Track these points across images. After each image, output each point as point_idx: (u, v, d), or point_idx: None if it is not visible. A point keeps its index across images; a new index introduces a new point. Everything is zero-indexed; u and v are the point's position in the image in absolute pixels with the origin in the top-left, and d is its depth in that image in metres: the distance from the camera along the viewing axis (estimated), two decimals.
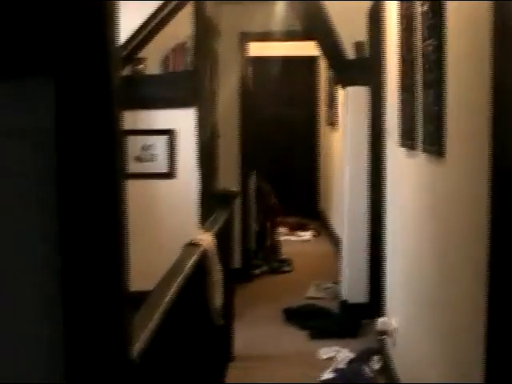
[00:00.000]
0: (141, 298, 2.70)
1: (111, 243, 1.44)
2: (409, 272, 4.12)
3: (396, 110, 4.21)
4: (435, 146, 3.00)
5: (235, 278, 6.41)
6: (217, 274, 3.77)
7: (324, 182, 11.40)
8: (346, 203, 6.28)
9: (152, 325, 2.36)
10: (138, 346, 2.13)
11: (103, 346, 1.43)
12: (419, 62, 3.39)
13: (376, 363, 5.10)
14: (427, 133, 3.17)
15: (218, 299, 3.78)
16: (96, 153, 1.39)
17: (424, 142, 3.27)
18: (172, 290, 2.76)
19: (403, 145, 3.99)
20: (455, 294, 2.86)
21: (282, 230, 9.95)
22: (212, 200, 5.34)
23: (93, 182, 1.39)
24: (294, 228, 10.84)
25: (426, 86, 3.20)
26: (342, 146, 6.61)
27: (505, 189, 1.88)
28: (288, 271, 8.29)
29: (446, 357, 3.14)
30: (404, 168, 4.14)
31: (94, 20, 1.39)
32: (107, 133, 1.41)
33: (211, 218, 4.59)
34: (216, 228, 4.24)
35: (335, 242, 9.26)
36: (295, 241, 10.23)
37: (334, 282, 7.39)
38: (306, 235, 10.52)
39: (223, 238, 4.73)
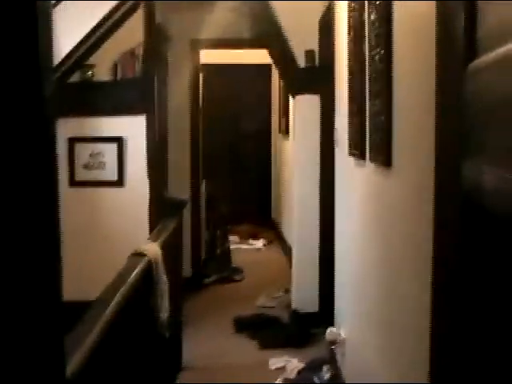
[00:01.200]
0: (86, 308, 2.66)
1: (44, 252, 1.37)
2: (356, 282, 4.10)
3: (345, 119, 4.19)
4: (382, 156, 2.98)
5: (185, 287, 6.35)
6: (163, 285, 3.71)
7: (276, 190, 11.38)
8: (296, 212, 6.26)
9: (92, 338, 2.30)
10: (76, 360, 2.07)
11: (33, 361, 1.37)
12: (367, 71, 3.37)
13: (326, 373, 5.07)
14: (374, 143, 3.15)
15: (164, 310, 3.72)
16: (27, 160, 1.33)
17: (371, 152, 3.26)
18: (114, 301, 2.70)
19: (352, 154, 3.97)
20: (401, 300, 2.84)
21: (233, 238, 9.90)
22: (162, 208, 5.28)
23: (24, 189, 1.32)
24: (246, 236, 10.80)
25: (373, 95, 3.18)
26: (293, 155, 6.59)
27: (447, 199, 1.87)
28: (239, 280, 8.23)
29: (393, 365, 3.12)
30: (353, 177, 4.13)
31: (23, 22, 1.32)
32: (39, 140, 1.35)
33: (158, 227, 4.53)
34: (163, 237, 4.18)
35: (287, 250, 9.25)
36: (247, 249, 10.19)
37: (284, 291, 7.37)
38: (258, 244, 10.48)
39: (172, 247, 4.67)
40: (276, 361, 5.45)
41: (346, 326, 4.60)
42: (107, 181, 6.16)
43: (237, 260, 8.82)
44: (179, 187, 7.29)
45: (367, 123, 3.42)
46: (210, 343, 5.99)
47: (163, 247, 3.98)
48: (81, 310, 2.70)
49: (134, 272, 3.17)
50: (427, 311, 2.36)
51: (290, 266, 7.87)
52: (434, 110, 2.07)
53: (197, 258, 7.78)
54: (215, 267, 8.31)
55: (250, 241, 10.64)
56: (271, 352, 5.68)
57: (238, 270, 8.44)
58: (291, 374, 5.18)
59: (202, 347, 5.85)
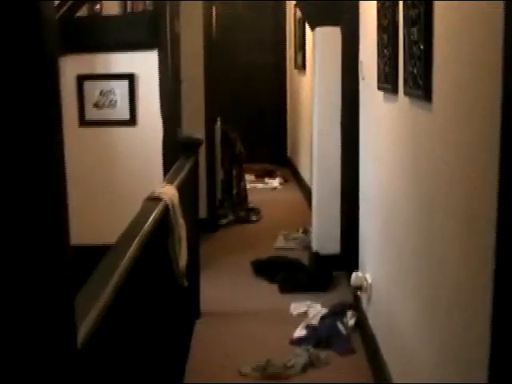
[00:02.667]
0: (104, 251, 2.48)
1: (49, 195, 1.21)
2: (385, 226, 3.85)
3: (373, 51, 3.90)
4: (420, 89, 2.71)
5: (201, 229, 6.14)
6: (180, 231, 3.48)
7: (292, 127, 11.11)
8: (316, 150, 6.00)
9: (107, 291, 2.07)
10: (92, 315, 1.85)
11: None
12: None
13: (350, 319, 4.87)
14: (411, 75, 2.87)
15: (182, 258, 3.49)
16: (30, 99, 1.18)
17: (406, 85, 2.98)
18: (130, 250, 2.47)
19: (382, 88, 3.69)
20: (441, 252, 2.60)
21: (248, 177, 9.66)
22: (176, 148, 5.03)
23: (26, 132, 1.17)
24: (261, 175, 10.58)
25: (409, 22, 2.89)
26: (311, 91, 6.31)
27: None
28: (256, 221, 8.02)
29: (426, 318, 2.90)
30: (382, 113, 3.85)
31: None
32: (41, 79, 1.19)
33: (174, 168, 4.28)
34: (179, 179, 3.93)
35: (304, 189, 9.03)
36: (262, 188, 9.97)
37: (303, 232, 7.16)
38: (274, 182, 10.25)
39: (188, 190, 4.44)
40: (297, 306, 5.25)
41: (372, 271, 4.37)
42: (119, 120, 5.88)
43: (253, 200, 8.59)
44: (194, 125, 7.02)
45: (401, 54, 3.13)
46: (228, 287, 5.79)
47: (179, 189, 3.75)
48: (94, 254, 2.53)
49: (151, 218, 2.93)
50: (476, 266, 2.13)
51: (308, 206, 7.67)
52: (484, 36, 1.81)
53: (212, 198, 7.54)
54: (231, 207, 8.09)
55: (266, 179, 10.41)
56: (292, 296, 5.48)
57: (254, 210, 8.22)
58: (314, 319, 4.97)
59: (220, 292, 5.65)
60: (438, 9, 2.53)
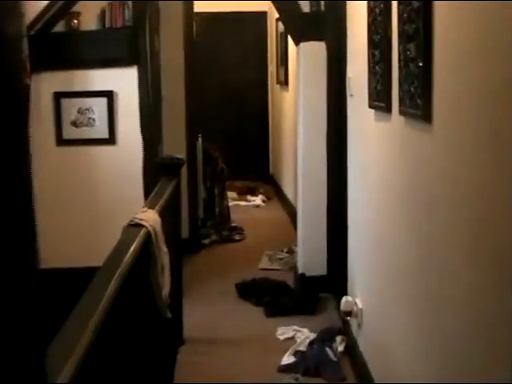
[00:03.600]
0: (84, 273, 2.45)
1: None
2: (378, 249, 3.68)
3: (363, 67, 3.74)
4: (419, 109, 2.54)
5: (183, 249, 5.94)
6: (164, 259, 3.29)
7: (275, 144, 10.94)
8: (301, 169, 5.82)
9: (87, 335, 1.89)
10: (70, 366, 1.67)
11: None
12: (396, 10, 2.91)
13: (339, 344, 4.69)
14: (407, 93, 2.70)
15: (165, 287, 3.30)
16: None
17: (402, 104, 2.81)
18: (109, 288, 2.28)
19: (373, 106, 3.53)
20: (441, 280, 2.44)
21: (230, 194, 9.47)
22: (157, 168, 4.84)
23: None
24: (244, 192, 10.39)
25: (405, 38, 2.72)
26: (295, 107, 6.16)
27: None
28: (239, 240, 7.82)
29: (425, 347, 2.73)
30: (373, 132, 3.69)
31: None
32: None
33: (155, 191, 4.09)
34: (161, 202, 3.74)
35: (287, 207, 8.86)
36: (245, 206, 9.77)
37: (287, 252, 6.98)
38: (257, 200, 10.06)
39: (171, 212, 4.26)
40: (284, 330, 5.06)
41: (363, 296, 4.20)
42: (97, 139, 5.72)
43: (236, 218, 8.40)
44: (174, 144, 6.84)
45: (395, 70, 2.97)
46: (212, 312, 5.58)
47: (161, 214, 3.56)
48: (73, 276, 2.39)
49: (131, 248, 2.74)
50: (478, 293, 1.96)
51: (292, 224, 7.50)
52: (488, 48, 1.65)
53: (194, 217, 7.34)
54: (214, 227, 7.89)
55: (249, 197, 10.22)
56: (278, 320, 5.29)
57: (237, 229, 8.03)
58: (302, 345, 4.79)
59: (204, 317, 5.45)
60: (438, 23, 2.37)
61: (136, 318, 2.98)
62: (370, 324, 4.00)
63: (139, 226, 3.08)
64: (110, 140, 5.71)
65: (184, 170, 6.93)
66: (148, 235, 3.08)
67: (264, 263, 6.80)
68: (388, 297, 3.46)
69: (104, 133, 5.70)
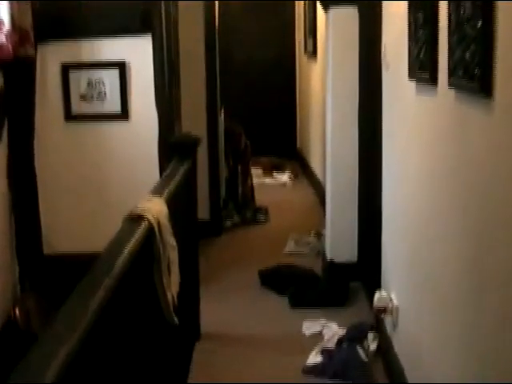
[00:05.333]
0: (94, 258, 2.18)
1: None
2: (417, 241, 3.21)
3: (402, 32, 3.24)
4: (475, 80, 2.06)
5: (203, 233, 5.53)
6: (171, 254, 2.84)
7: (302, 118, 10.45)
8: (330, 148, 5.35)
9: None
10: None
11: None
12: None
13: (371, 342, 4.23)
14: (460, 62, 2.22)
15: (172, 288, 2.85)
16: None
17: (454, 75, 2.32)
18: (103, 286, 1.88)
19: (415, 78, 3.04)
20: (495, 275, 1.98)
21: (255, 171, 9.01)
22: (171, 149, 4.39)
23: None
24: (269, 169, 9.94)
25: None
26: (324, 79, 5.68)
27: None
28: (263, 222, 7.37)
29: (470, 356, 2.28)
30: (414, 108, 3.19)
31: None
32: None
33: (164, 176, 3.64)
34: (170, 188, 3.28)
35: (316, 185, 8.39)
36: (270, 184, 9.32)
37: (315, 235, 6.52)
38: (283, 177, 9.60)
39: (183, 198, 3.81)
40: (311, 325, 4.61)
41: (398, 291, 3.73)
42: (109, 113, 5.24)
43: (260, 198, 7.93)
44: (194, 118, 6.37)
45: (443, 35, 2.48)
46: (232, 303, 5.14)
47: (172, 200, 3.12)
48: (82, 262, 2.20)
49: (128, 247, 2.29)
50: None
51: (321, 205, 7.05)
52: None
53: (216, 198, 6.88)
54: (236, 208, 7.44)
55: (274, 174, 9.77)
56: (304, 312, 4.84)
57: (262, 210, 7.56)
58: (330, 342, 4.34)
59: (223, 308, 5.01)
60: None
61: (138, 317, 2.54)
62: (407, 324, 3.53)
63: (140, 218, 2.63)
64: (123, 115, 5.25)
65: (204, 148, 6.50)
66: (150, 229, 2.62)
67: (289, 247, 6.34)
68: (429, 297, 3.00)
69: (116, 107, 5.24)
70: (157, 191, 3.10)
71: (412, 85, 3.12)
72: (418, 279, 3.21)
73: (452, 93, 2.40)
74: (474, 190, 2.20)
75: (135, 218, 2.62)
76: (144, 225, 2.59)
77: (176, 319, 2.88)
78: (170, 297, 2.80)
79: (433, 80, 2.66)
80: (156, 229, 2.66)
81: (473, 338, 2.28)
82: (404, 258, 3.58)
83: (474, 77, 2.07)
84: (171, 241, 2.88)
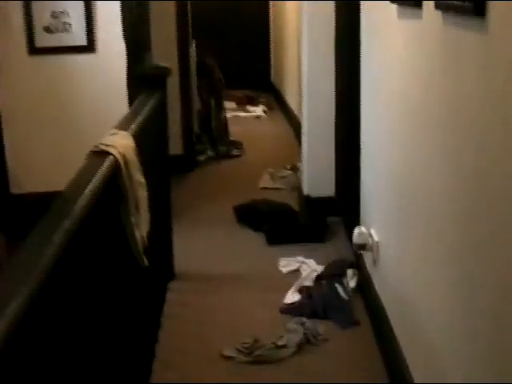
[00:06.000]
0: None
1: None
2: (398, 174, 3.05)
3: None
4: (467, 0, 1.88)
5: (175, 168, 5.37)
6: (139, 191, 2.66)
7: (276, 50, 10.22)
8: (306, 78, 5.15)
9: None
10: None
11: None
12: None
13: (350, 279, 4.10)
14: None
15: (141, 226, 2.68)
16: None
17: None
18: (55, 239, 1.71)
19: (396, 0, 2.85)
20: (477, 211, 1.84)
21: (229, 104, 8.82)
22: (139, 81, 4.18)
23: None
24: (243, 102, 9.75)
25: None
26: (298, 9, 5.46)
27: None
28: (238, 156, 7.21)
29: (450, 291, 2.19)
30: (396, 35, 3.00)
31: None
32: None
33: (132, 108, 3.45)
34: (138, 121, 3.09)
35: (290, 118, 8.23)
36: (244, 117, 9.14)
37: (291, 169, 6.36)
38: (257, 110, 9.43)
39: (153, 132, 3.62)
40: (288, 262, 4.48)
41: (379, 226, 3.59)
42: (74, 46, 5.05)
43: (234, 131, 7.76)
44: (164, 50, 6.14)
45: None
46: (206, 240, 4.99)
47: (139, 134, 2.93)
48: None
49: (90, 186, 2.12)
50: None
51: (296, 138, 6.90)
52: None
53: (188, 132, 6.69)
54: (210, 142, 7.26)
55: (248, 107, 9.58)
56: (281, 249, 4.71)
57: (236, 144, 7.39)
58: (308, 279, 4.21)
59: (197, 244, 4.88)
60: None
61: (109, 256, 2.38)
62: (388, 261, 3.39)
63: (105, 153, 2.45)
64: (89, 47, 5.06)
65: (176, 81, 6.30)
66: (116, 164, 2.44)
67: (265, 182, 6.19)
68: (412, 233, 2.85)
69: (82, 39, 5.05)
70: (123, 125, 2.91)
71: (393, 8, 2.92)
72: (400, 215, 3.06)
73: (439, 15, 2.22)
74: (467, 119, 2.02)
75: (99, 154, 2.44)
76: (109, 161, 2.40)
77: (146, 260, 2.71)
78: (139, 237, 2.63)
79: (417, 2, 2.47)
80: (122, 165, 2.48)
81: (460, 276, 2.14)
82: (385, 194, 3.42)
83: None
84: (139, 177, 2.70)
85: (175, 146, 6.13)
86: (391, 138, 3.21)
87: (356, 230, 3.78)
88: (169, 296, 4.10)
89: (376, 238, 3.58)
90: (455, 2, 1.98)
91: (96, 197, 2.12)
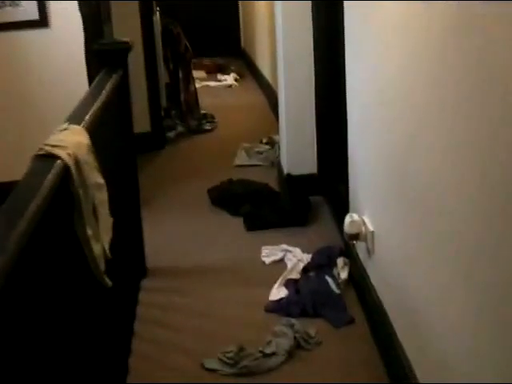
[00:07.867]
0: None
1: None
2: (396, 152, 2.65)
3: None
4: None
5: (144, 146, 4.98)
6: (96, 194, 2.24)
7: (246, 14, 9.77)
8: (281, 38, 4.72)
9: None
10: None
11: None
12: None
13: (341, 269, 3.71)
14: None
15: (102, 236, 2.26)
16: None
17: None
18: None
19: None
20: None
21: (198, 74, 8.38)
22: (100, 56, 3.74)
23: None
24: (213, 71, 9.34)
25: None
26: None
27: None
28: (210, 130, 6.80)
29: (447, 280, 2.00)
30: None
31: None
32: None
33: (86, 93, 3.01)
34: (94, 109, 2.66)
35: (264, 86, 7.81)
36: (215, 87, 8.73)
37: (268, 143, 5.96)
38: (228, 79, 9.00)
39: (113, 115, 3.20)
40: (270, 251, 4.08)
41: (374, 214, 3.19)
42: (25, 21, 4.63)
43: (205, 103, 7.34)
44: (126, 21, 5.69)
45: None
46: (179, 226, 4.59)
47: (96, 123, 2.51)
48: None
49: (35, 200, 1.70)
50: None
51: (271, 109, 6.49)
52: None
53: (156, 107, 6.26)
54: (180, 116, 6.83)
55: (219, 76, 9.15)
56: (262, 235, 4.32)
57: (207, 118, 6.98)
58: (294, 271, 3.82)
59: (170, 233, 4.47)
60: None
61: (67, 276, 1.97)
62: (386, 252, 3.00)
63: (52, 156, 2.02)
64: (42, 22, 4.64)
65: (139, 52, 5.87)
66: (65, 169, 2.01)
67: (241, 159, 5.78)
68: (415, 222, 2.45)
69: (33, 13, 4.63)
70: (75, 117, 2.48)
71: None
72: (402, 202, 2.65)
73: None
74: (492, 70, 1.61)
75: (44, 158, 2.01)
76: (56, 166, 1.98)
77: (108, 280, 2.29)
78: (99, 252, 2.21)
79: None
80: (73, 169, 2.05)
81: (472, 270, 1.78)
82: (381, 176, 3.01)
83: None
84: (96, 178, 2.28)
85: (142, 124, 5.72)
86: (385, 102, 2.78)
87: (347, 219, 3.37)
88: (142, 296, 3.69)
89: (371, 228, 3.18)
90: None
91: (40, 216, 1.70)
